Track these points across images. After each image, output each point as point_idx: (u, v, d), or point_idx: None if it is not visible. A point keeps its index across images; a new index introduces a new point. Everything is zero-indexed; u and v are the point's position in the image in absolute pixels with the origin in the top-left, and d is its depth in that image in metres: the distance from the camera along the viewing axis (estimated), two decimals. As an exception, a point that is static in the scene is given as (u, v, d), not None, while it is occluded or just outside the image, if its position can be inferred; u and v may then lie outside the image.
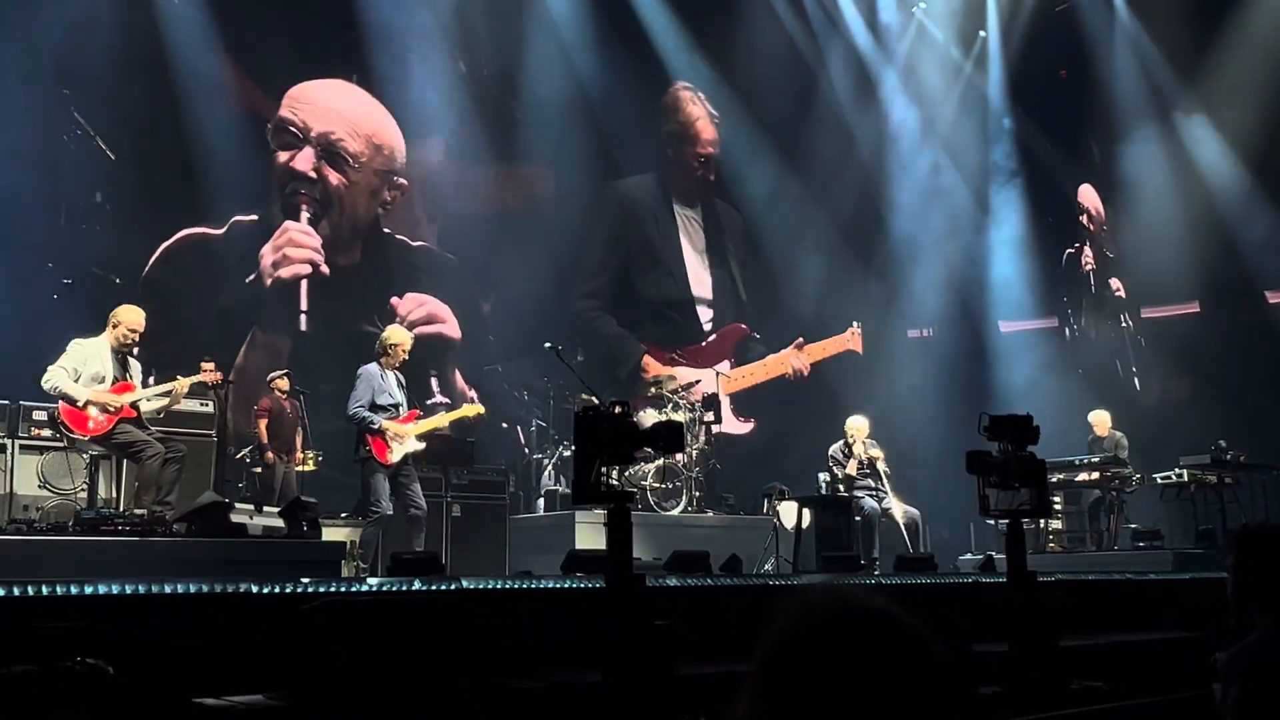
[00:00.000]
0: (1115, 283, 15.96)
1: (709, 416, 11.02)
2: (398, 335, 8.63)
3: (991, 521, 11.39)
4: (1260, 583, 2.93)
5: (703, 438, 10.98)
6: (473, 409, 9.24)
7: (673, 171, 14.43)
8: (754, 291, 14.78)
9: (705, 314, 14.26)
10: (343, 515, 9.86)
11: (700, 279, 14.32)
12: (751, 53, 14.35)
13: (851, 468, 10.36)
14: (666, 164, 14.40)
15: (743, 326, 14.56)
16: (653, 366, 12.97)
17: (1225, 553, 3.12)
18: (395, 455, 8.20)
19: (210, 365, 7.98)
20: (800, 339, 14.53)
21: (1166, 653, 5.80)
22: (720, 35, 14.31)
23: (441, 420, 8.85)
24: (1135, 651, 5.86)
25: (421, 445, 8.44)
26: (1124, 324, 15.75)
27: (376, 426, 8.16)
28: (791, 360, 14.28)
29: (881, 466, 10.41)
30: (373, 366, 8.45)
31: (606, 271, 13.52)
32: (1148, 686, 5.14)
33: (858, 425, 10.57)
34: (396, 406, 8.36)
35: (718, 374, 12.91)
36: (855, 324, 14.67)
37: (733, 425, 13.46)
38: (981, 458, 4.14)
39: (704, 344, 14.11)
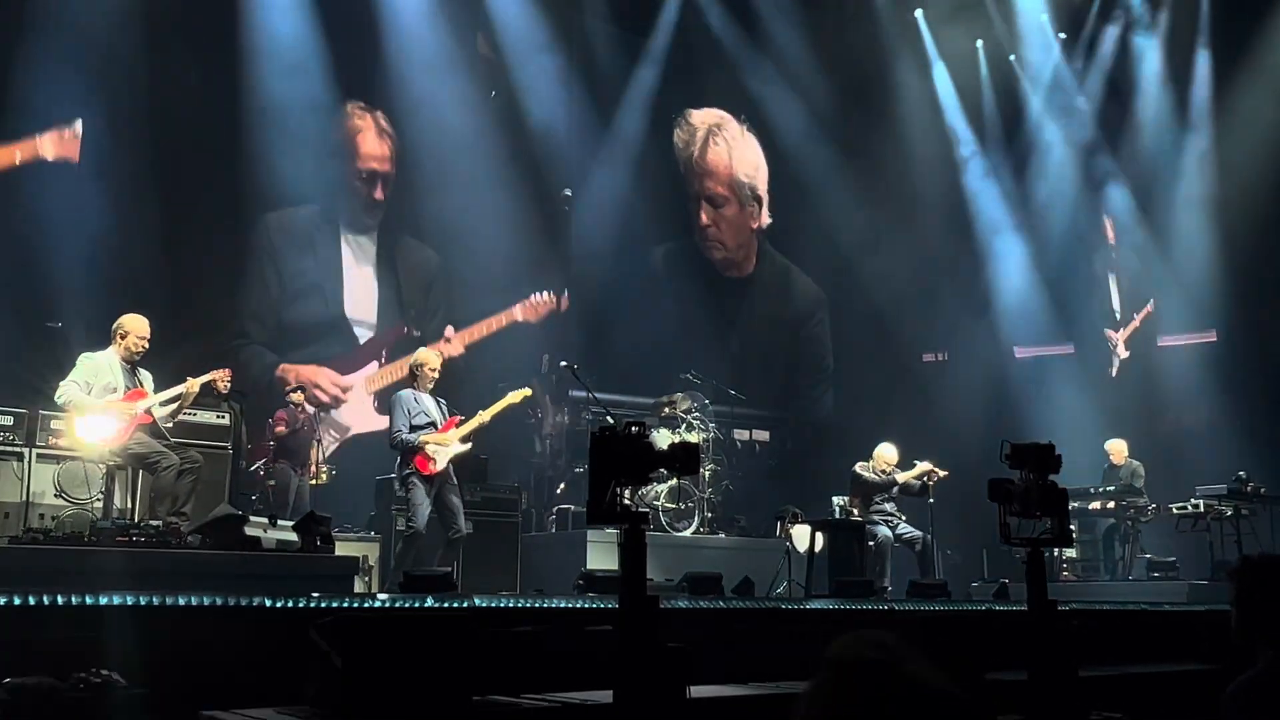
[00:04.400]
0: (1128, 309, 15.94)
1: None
2: (422, 356, 8.67)
3: (1007, 548, 11.44)
4: (1263, 615, 2.88)
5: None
6: (517, 394, 8.88)
7: (339, 196, 13.10)
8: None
9: (364, 335, 13.12)
10: (350, 527, 9.90)
11: (361, 302, 13.12)
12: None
13: (911, 475, 10.33)
14: (331, 188, 13.00)
15: (404, 330, 13.29)
16: (290, 371, 12.24)
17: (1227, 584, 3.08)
18: (440, 463, 8.21)
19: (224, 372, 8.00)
20: (450, 326, 13.35)
21: (1183, 685, 5.75)
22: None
23: (484, 416, 8.62)
24: (1151, 683, 5.81)
25: (467, 446, 8.39)
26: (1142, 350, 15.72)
27: (417, 444, 8.19)
28: (441, 347, 12.84)
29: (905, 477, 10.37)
30: (406, 392, 8.49)
31: (256, 305, 12.36)
32: (1165, 718, 5.10)
33: (888, 456, 10.50)
34: (433, 425, 8.38)
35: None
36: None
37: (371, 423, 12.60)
38: (1003, 486, 4.12)
39: (352, 352, 13.01)
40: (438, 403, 8.52)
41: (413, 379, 8.52)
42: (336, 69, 12.50)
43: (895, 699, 1.18)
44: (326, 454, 11.28)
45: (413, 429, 8.27)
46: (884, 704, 1.18)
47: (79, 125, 10.80)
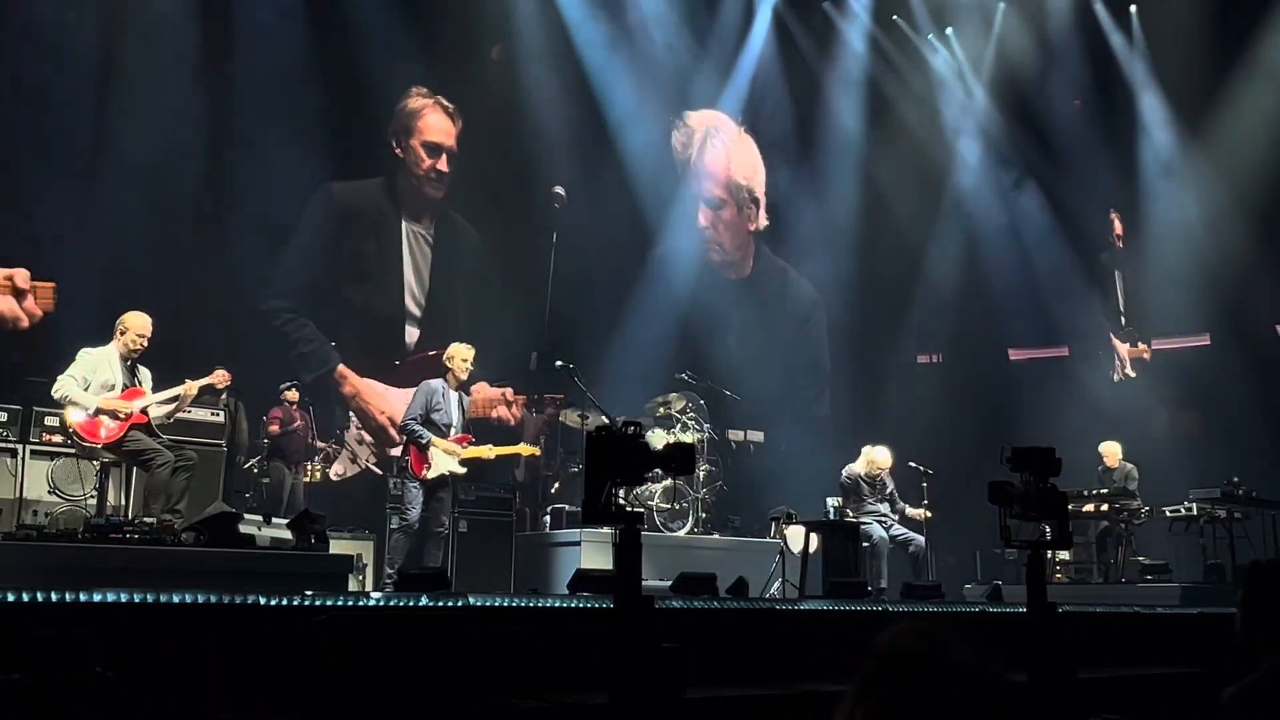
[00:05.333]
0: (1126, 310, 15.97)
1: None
2: (454, 349, 8.70)
3: (1000, 550, 11.48)
4: (1269, 619, 2.90)
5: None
6: (527, 449, 9.31)
7: (400, 179, 13.26)
8: (482, 319, 12.92)
9: (412, 334, 13.11)
10: (349, 529, 9.89)
11: (415, 297, 13.23)
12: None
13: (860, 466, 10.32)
14: (395, 170, 13.22)
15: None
16: (349, 379, 12.37)
17: (1235, 588, 3.09)
18: (431, 472, 8.26)
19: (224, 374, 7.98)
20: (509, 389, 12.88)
21: (1178, 687, 5.76)
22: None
23: (488, 452, 8.81)
24: (1147, 685, 5.82)
25: (462, 470, 8.53)
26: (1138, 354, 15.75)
27: (425, 441, 8.23)
28: (499, 407, 12.77)
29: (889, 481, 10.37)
30: (436, 382, 8.55)
31: (307, 274, 12.29)
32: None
33: (879, 459, 10.39)
34: (449, 426, 8.42)
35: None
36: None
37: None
38: (1003, 488, 4.13)
39: (402, 362, 12.77)
40: (461, 404, 8.59)
41: (445, 371, 8.60)
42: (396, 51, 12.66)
43: (945, 687, 1.20)
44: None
45: (429, 423, 8.33)
46: (934, 692, 1.20)
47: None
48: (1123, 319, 16.02)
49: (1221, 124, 14.41)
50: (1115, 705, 4.76)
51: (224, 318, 11.07)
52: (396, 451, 11.08)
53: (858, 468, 10.35)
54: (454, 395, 8.55)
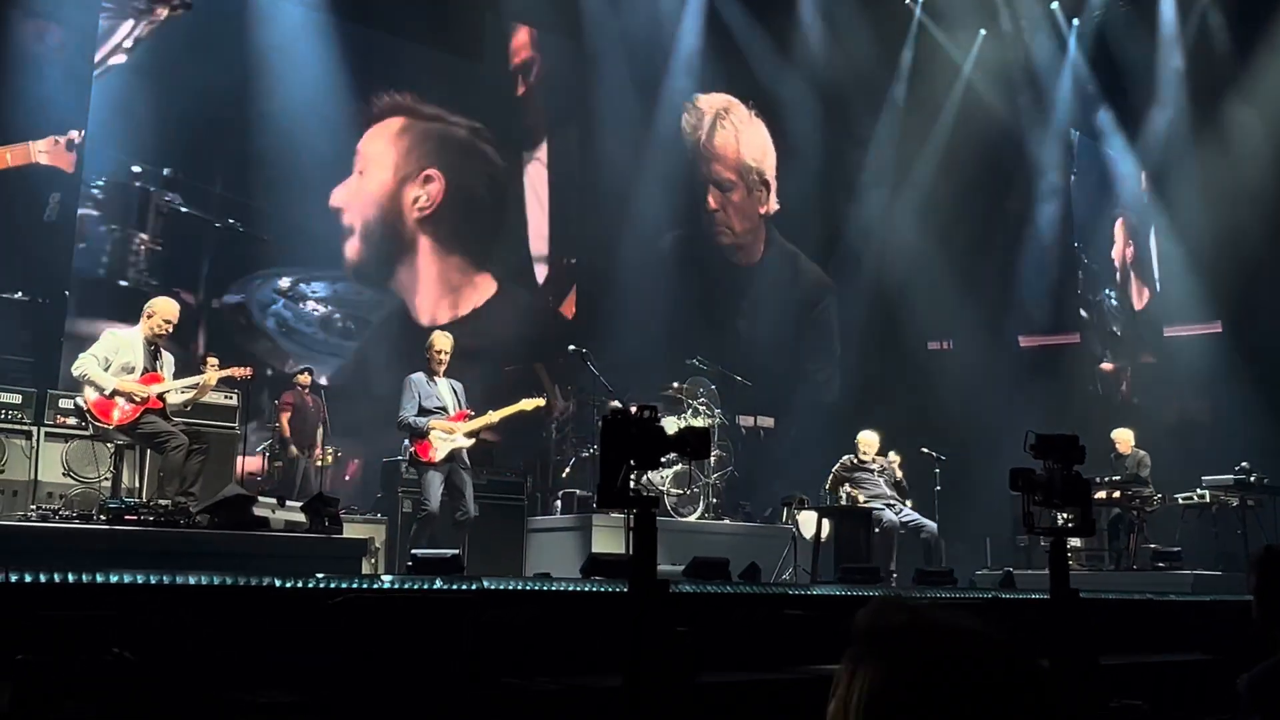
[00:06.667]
0: (1139, 299, 15.89)
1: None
2: (431, 338, 8.67)
3: (1009, 537, 11.46)
4: None
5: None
6: (530, 402, 8.92)
7: None
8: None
9: None
10: (354, 508, 9.90)
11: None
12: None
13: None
14: None
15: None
16: None
17: (1246, 575, 3.08)
18: (439, 453, 8.22)
19: (214, 362, 8.03)
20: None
21: (1189, 674, 5.76)
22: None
23: (493, 417, 8.69)
24: (1157, 672, 5.82)
25: (470, 442, 8.44)
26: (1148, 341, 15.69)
27: (423, 428, 8.21)
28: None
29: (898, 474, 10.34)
30: (418, 375, 8.49)
31: None
32: (1177, 708, 5.11)
33: (868, 440, 10.45)
34: (443, 410, 8.39)
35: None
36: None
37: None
38: (1027, 475, 4.13)
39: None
40: (453, 388, 8.53)
41: (426, 362, 8.55)
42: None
43: (936, 651, 1.18)
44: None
45: (423, 412, 8.29)
46: (927, 659, 1.17)
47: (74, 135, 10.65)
48: (1135, 305, 15.96)
49: (1236, 110, 14.33)
50: (1130, 691, 4.75)
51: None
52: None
53: (854, 455, 10.32)
54: (441, 381, 8.49)
